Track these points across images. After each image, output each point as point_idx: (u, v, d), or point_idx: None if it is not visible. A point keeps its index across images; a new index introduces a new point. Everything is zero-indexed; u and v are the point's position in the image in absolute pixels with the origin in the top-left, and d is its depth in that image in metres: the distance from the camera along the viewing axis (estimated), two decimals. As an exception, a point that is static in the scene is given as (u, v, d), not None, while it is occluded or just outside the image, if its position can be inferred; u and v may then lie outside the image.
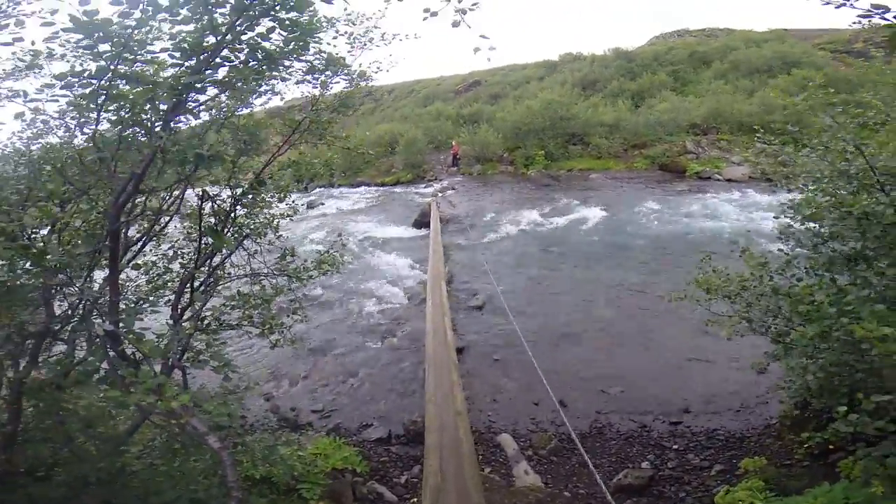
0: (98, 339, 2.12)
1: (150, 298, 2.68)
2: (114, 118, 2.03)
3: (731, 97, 24.72)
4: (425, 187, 22.64)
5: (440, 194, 19.82)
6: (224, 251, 4.16)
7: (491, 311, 8.90)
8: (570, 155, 23.50)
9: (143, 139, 2.11)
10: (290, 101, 5.19)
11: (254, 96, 3.32)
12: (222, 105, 3.26)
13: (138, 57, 1.85)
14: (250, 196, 2.57)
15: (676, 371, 6.78)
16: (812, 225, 4.51)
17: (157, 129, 2.00)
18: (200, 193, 3.18)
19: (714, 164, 20.77)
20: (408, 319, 8.81)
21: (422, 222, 15.66)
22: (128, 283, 3.69)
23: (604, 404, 6.18)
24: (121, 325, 2.12)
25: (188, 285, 3.48)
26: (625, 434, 5.69)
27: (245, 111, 4.04)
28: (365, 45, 4.70)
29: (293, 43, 2.30)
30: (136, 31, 1.76)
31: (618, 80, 30.82)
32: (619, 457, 5.39)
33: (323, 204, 20.83)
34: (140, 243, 3.45)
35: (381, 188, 23.92)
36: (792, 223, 4.77)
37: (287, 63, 2.62)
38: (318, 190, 24.77)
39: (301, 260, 5.27)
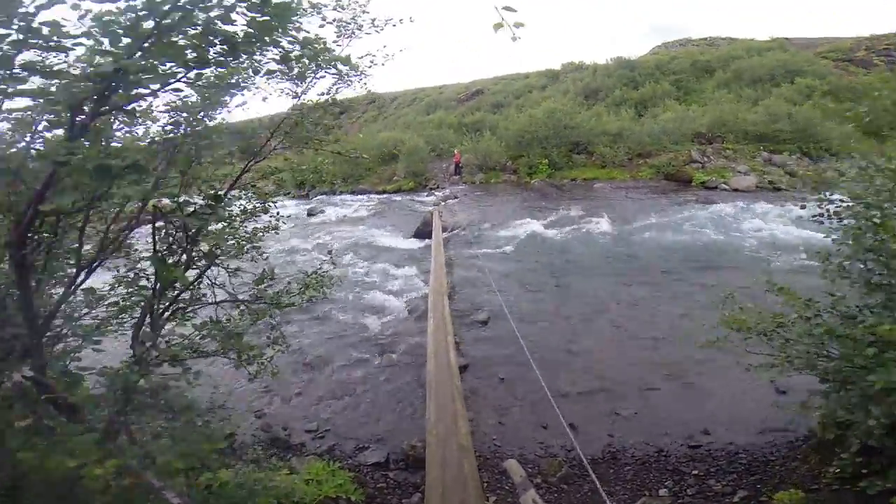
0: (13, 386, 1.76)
1: (93, 335, 2.29)
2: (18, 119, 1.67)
3: (735, 106, 24.63)
4: (427, 195, 22.41)
5: (442, 203, 19.54)
6: (195, 272, 3.72)
7: (495, 327, 8.52)
8: (573, 164, 23.32)
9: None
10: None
11: (217, 93, 2.89)
12: (191, 106, 2.87)
13: (52, 44, 1.49)
14: (208, 214, 2.14)
15: (692, 390, 6.41)
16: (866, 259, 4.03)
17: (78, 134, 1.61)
18: (153, 212, 2.72)
19: (720, 174, 20.52)
20: (408, 334, 8.44)
21: (423, 232, 15.35)
22: (99, 301, 3.31)
23: (617, 427, 5.80)
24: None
25: (148, 315, 3.08)
26: (640, 459, 5.30)
27: (222, 113, 3.60)
28: (353, 32, 4.17)
29: (262, 27, 1.89)
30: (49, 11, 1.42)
31: (620, 90, 30.92)
32: (635, 483, 5.00)
33: (323, 211, 20.62)
34: (94, 264, 2.97)
35: (383, 196, 23.70)
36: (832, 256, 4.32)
37: (254, 51, 2.23)
38: (319, 197, 24.60)
39: (285, 283, 4.75)
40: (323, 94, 4.55)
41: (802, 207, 5.11)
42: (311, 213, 20.28)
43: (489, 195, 20.78)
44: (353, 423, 6.14)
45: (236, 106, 3.78)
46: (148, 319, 3.03)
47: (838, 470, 3.54)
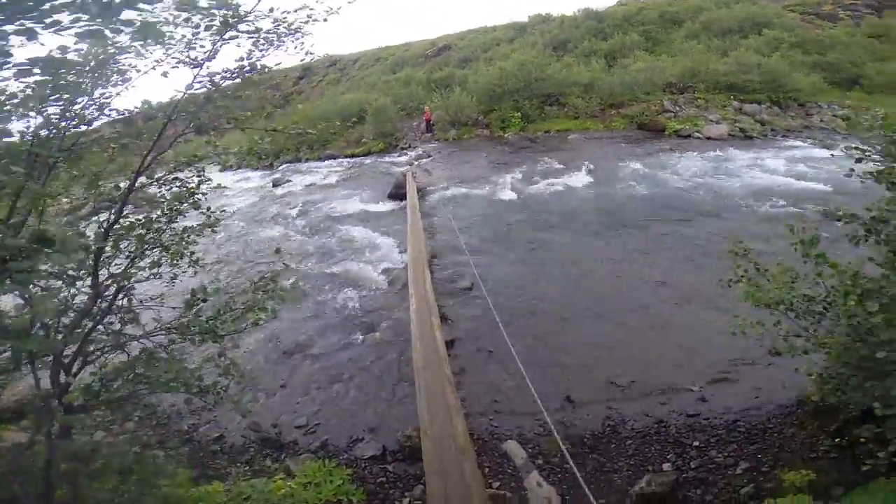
0: None
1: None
2: None
3: (705, 56, 24.56)
4: (399, 156, 21.64)
5: (415, 163, 18.89)
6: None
7: (480, 294, 8.21)
8: (546, 116, 22.87)
9: None
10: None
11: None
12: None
13: None
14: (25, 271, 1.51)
15: (685, 353, 6.34)
16: None
17: None
18: None
19: (692, 123, 20.52)
20: (389, 308, 8.10)
21: (397, 194, 14.80)
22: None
23: (614, 397, 5.69)
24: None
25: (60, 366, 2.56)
26: (641, 431, 5.22)
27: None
28: None
29: None
30: None
31: (589, 41, 30.46)
32: (638, 458, 4.93)
33: (290, 181, 19.68)
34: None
35: (352, 160, 22.76)
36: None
37: None
38: (284, 166, 23.51)
39: (224, 298, 3.85)
40: (242, 58, 3.58)
41: (832, 156, 4.78)
42: (276, 184, 19.33)
43: (463, 151, 20.17)
44: (344, 413, 5.86)
45: (116, 87, 3.04)
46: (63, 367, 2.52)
47: (871, 467, 3.41)
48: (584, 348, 6.64)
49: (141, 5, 2.19)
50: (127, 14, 2.11)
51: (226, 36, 3.19)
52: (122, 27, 2.16)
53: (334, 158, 23.52)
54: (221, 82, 3.47)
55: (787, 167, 14.31)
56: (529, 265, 9.36)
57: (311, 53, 4.07)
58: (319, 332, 7.63)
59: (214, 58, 3.31)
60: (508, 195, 13.72)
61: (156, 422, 5.82)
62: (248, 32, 3.31)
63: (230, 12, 2.84)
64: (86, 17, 1.98)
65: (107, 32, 1.98)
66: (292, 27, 3.63)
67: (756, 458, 4.74)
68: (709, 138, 19.07)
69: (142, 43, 2.63)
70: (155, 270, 3.61)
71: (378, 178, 17.95)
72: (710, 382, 5.82)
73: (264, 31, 3.46)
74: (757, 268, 4.35)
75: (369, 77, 37.73)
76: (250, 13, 3.14)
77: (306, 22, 3.67)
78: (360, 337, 7.37)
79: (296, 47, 3.83)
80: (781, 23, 28.83)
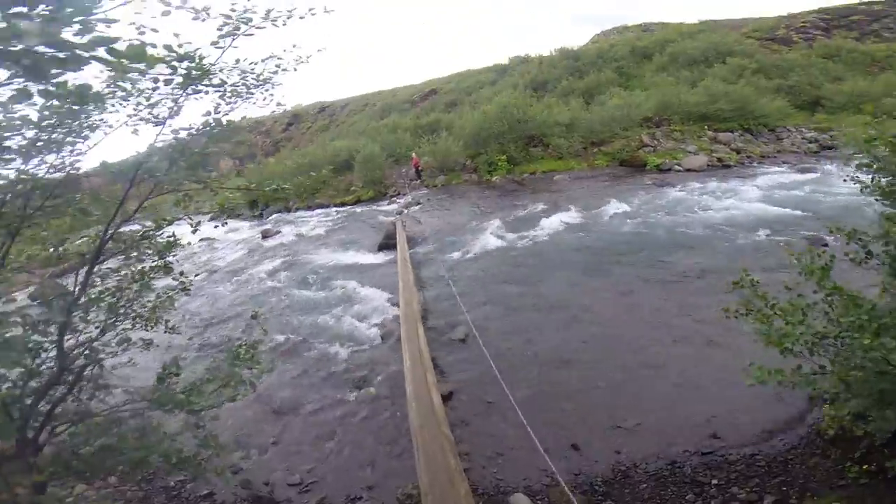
0: None
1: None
2: None
3: (676, 88, 25.34)
4: (388, 204, 21.76)
5: (405, 211, 18.95)
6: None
7: (475, 345, 7.90)
8: (531, 157, 23.23)
9: None
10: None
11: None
12: None
13: None
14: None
15: (691, 391, 6.12)
16: None
17: None
18: None
19: (672, 156, 20.95)
20: (383, 362, 7.79)
21: (387, 244, 14.71)
22: None
23: (622, 441, 5.41)
24: None
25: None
26: (654, 474, 4.94)
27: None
28: (237, 28, 2.92)
29: None
30: None
31: (567, 80, 31.55)
32: (655, 502, 4.63)
33: (279, 232, 19.62)
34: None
35: (342, 208, 22.84)
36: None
37: None
38: (273, 216, 23.54)
39: (203, 363, 3.89)
40: (209, 112, 3.50)
41: (845, 180, 4.83)
42: (265, 236, 19.25)
43: (452, 197, 20.29)
44: (339, 471, 5.52)
45: (79, 146, 2.97)
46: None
47: None
48: (585, 393, 6.38)
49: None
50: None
51: (189, 90, 3.09)
52: (51, 87, 1.91)
53: (324, 207, 23.59)
54: (187, 138, 3.36)
55: (765, 195, 14.53)
56: (523, 312, 9.11)
57: (282, 105, 4.04)
58: (311, 389, 7.31)
59: (178, 114, 3.22)
60: (499, 241, 13.63)
61: (140, 476, 5.48)
62: (214, 86, 3.23)
63: (193, 65, 2.76)
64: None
65: (35, 94, 1.82)
66: (261, 78, 3.57)
67: (782, 491, 4.48)
68: (688, 170, 19.46)
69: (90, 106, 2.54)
70: (124, 346, 3.43)
71: (368, 227, 17.93)
72: (720, 418, 5.58)
73: (230, 84, 3.39)
74: (765, 301, 4.19)
75: (358, 123, 38.58)
76: (214, 65, 3.04)
77: (275, 72, 3.62)
78: (354, 394, 7.03)
79: (265, 99, 3.78)
80: (742, 50, 30.25)
